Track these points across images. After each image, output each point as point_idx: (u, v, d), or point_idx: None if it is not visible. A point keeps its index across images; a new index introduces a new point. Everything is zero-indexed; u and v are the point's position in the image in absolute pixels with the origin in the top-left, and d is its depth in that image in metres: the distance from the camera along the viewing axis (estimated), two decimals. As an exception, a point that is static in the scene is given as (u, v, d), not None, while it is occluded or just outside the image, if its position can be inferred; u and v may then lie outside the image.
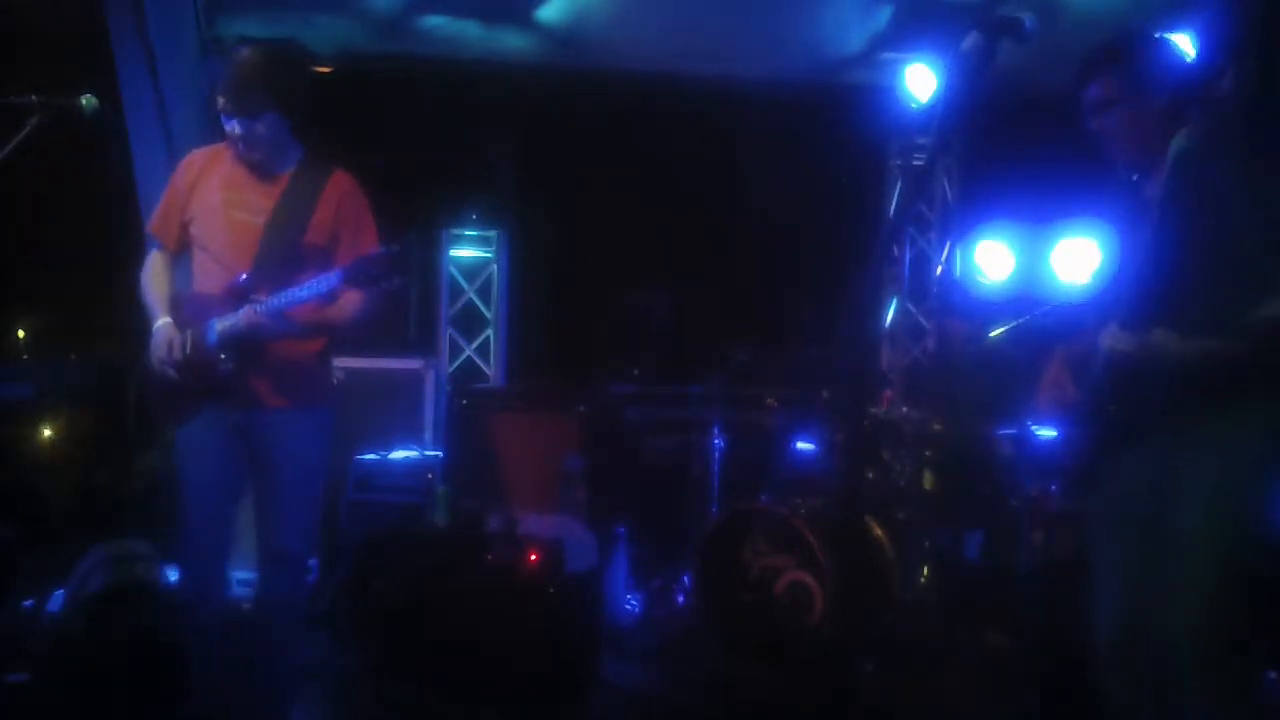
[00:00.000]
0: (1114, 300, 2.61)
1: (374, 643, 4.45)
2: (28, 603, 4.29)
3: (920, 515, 4.96)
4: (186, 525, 3.36)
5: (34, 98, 3.04)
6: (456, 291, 6.70)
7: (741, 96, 6.52)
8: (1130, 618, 2.56)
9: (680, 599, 5.24)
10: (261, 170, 3.35)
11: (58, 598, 4.17)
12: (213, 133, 3.55)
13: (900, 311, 7.28)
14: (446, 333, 6.62)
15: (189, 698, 3.34)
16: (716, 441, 5.45)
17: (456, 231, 6.66)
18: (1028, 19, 2.19)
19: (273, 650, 3.39)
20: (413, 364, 6.09)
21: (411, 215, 6.68)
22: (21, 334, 6.25)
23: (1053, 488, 4.69)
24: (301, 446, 3.36)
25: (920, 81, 6.27)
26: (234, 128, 3.26)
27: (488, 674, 4.11)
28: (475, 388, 6.45)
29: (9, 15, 5.38)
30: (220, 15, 5.70)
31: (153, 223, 3.49)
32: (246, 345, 3.24)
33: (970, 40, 2.21)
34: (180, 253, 3.47)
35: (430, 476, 5.23)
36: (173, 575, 3.94)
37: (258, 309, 3.17)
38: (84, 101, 3.10)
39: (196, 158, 3.47)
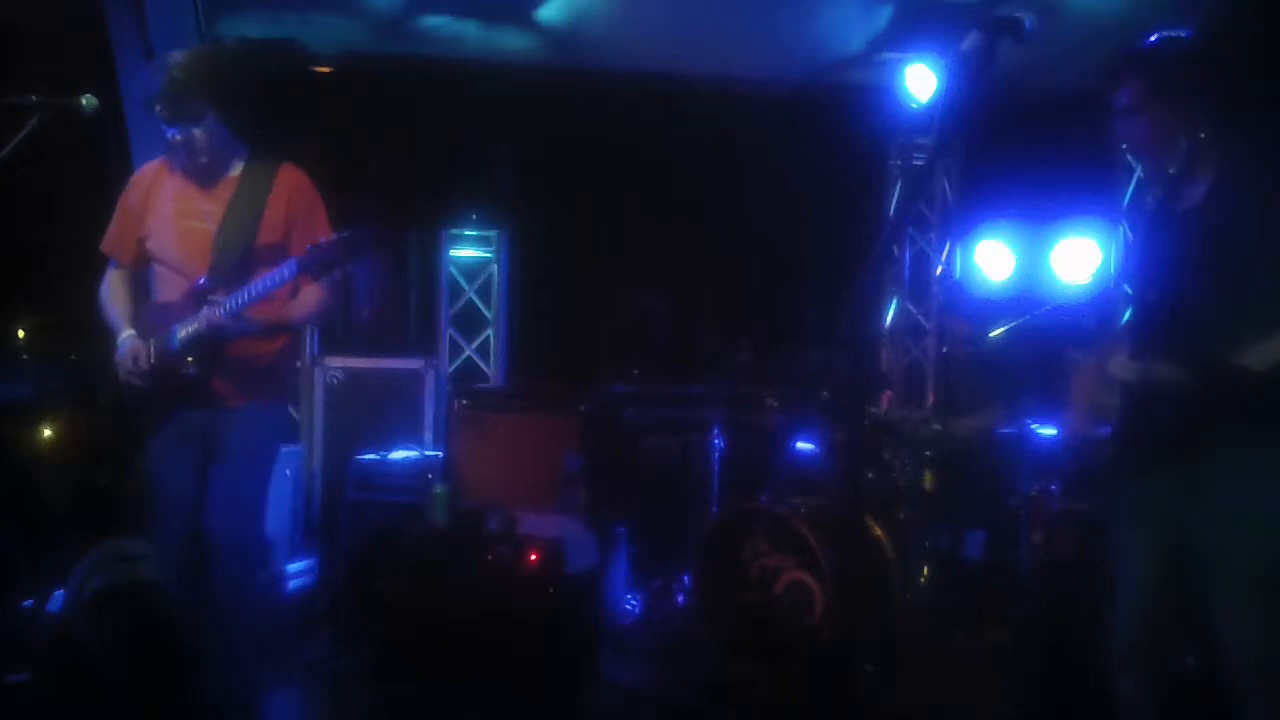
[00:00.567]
0: (1131, 325, 2.61)
1: (374, 643, 4.45)
2: (28, 603, 4.30)
3: (920, 515, 4.95)
4: (158, 536, 3.39)
5: (34, 98, 3.05)
6: (456, 291, 6.69)
7: (742, 96, 6.52)
8: (1150, 622, 2.59)
9: (680, 599, 5.25)
10: (208, 175, 3.36)
11: (58, 598, 4.18)
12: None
13: (900, 311, 7.29)
14: (446, 333, 6.61)
15: (186, 696, 3.34)
16: (716, 441, 5.45)
17: (456, 231, 6.65)
18: (1028, 19, 2.18)
19: (222, 650, 3.31)
20: (413, 364, 6.11)
21: (411, 215, 6.69)
22: (21, 334, 6.24)
23: (1053, 488, 4.69)
24: (252, 441, 3.37)
25: (920, 81, 6.28)
26: (174, 135, 3.26)
27: (488, 674, 4.12)
28: (475, 388, 6.44)
29: (9, 15, 5.38)
30: (220, 15, 5.70)
31: (106, 243, 3.50)
32: (209, 347, 3.25)
33: (970, 40, 2.20)
34: (139, 268, 3.48)
35: (430, 476, 5.23)
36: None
37: (217, 310, 3.19)
38: (84, 101, 3.10)
39: (145, 173, 3.47)
